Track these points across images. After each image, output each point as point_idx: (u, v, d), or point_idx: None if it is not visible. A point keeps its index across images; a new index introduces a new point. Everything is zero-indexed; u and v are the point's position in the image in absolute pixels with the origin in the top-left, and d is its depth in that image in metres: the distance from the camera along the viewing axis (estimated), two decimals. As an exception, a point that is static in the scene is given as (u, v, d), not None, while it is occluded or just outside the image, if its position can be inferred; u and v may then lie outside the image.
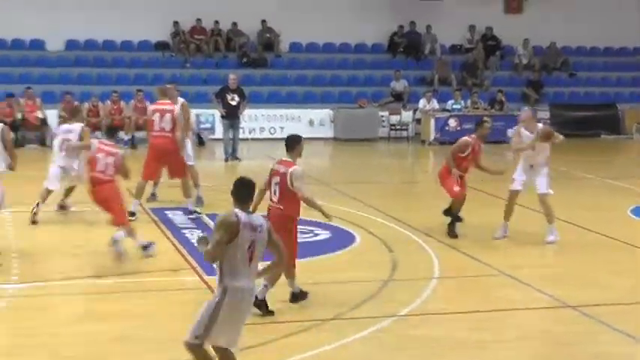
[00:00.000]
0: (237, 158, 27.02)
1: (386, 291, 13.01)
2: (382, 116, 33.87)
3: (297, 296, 12.19)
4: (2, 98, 30.09)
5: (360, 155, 29.81)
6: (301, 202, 11.89)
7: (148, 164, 18.19)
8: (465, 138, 16.70)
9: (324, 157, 30.65)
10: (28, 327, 11.10)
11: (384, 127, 33.77)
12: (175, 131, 17.91)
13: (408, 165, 30.44)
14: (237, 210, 8.64)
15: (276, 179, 11.73)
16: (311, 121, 33.26)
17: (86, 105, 30.51)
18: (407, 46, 37.58)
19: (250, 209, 8.79)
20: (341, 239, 16.28)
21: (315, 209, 11.96)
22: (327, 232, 16.79)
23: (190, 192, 18.25)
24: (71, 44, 35.28)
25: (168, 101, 18.27)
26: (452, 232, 16.41)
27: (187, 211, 18.10)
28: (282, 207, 11.70)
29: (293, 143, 12.00)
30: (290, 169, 11.64)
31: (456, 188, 16.32)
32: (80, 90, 32.17)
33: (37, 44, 35.00)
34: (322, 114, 33.48)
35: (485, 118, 17.34)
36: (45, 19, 34.35)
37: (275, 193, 11.75)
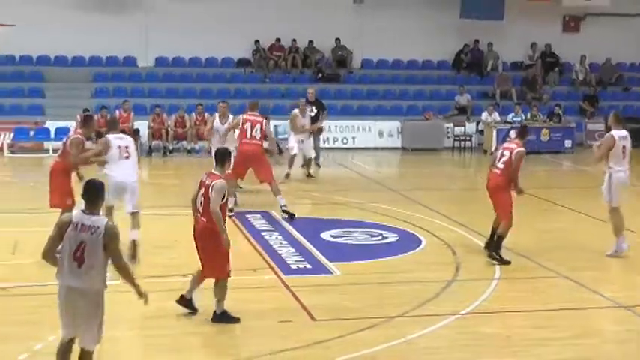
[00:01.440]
0: (318, 165, 26.91)
1: (449, 290, 12.92)
2: (447, 128, 33.67)
3: (220, 317, 11.21)
4: (97, 110, 30.44)
5: (426, 164, 29.67)
6: (226, 214, 11.37)
7: (236, 168, 18.08)
8: (521, 149, 14.73)
9: (393, 166, 30.55)
10: (120, 320, 11.18)
11: (448, 138, 33.55)
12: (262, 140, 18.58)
13: (471, 173, 30.19)
14: (76, 211, 8.46)
15: (202, 191, 11.13)
16: (380, 132, 33.21)
17: (173, 117, 30.84)
18: (470, 62, 37.43)
19: (96, 211, 8.43)
20: (408, 242, 16.20)
21: (216, 227, 10.93)
22: (395, 235, 16.73)
23: (279, 191, 18.50)
24: (160, 61, 35.65)
25: (257, 113, 18.80)
26: (501, 259, 14.54)
27: (267, 215, 18.17)
28: (205, 219, 11.06)
29: (222, 157, 11.44)
30: (213, 182, 11.02)
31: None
32: (168, 103, 32.46)
33: (130, 61, 35.42)
34: (391, 126, 33.37)
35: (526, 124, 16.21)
36: (137, 39, 34.83)
37: (200, 204, 11.13)
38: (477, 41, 37.21)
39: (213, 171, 11.32)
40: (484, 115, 33.12)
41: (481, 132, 33.46)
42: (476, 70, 37.36)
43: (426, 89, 36.40)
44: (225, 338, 10.63)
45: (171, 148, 30.74)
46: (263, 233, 16.71)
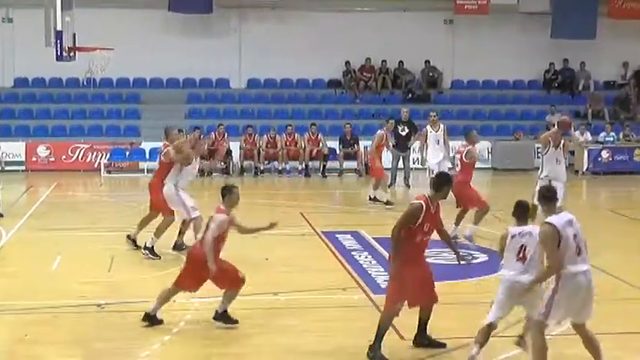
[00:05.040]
0: (408, 185, 26.94)
1: (539, 311, 12.76)
2: (538, 148, 33.34)
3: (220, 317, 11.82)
4: (191, 131, 30.84)
5: (516, 184, 29.32)
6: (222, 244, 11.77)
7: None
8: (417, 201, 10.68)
9: (483, 186, 30.26)
10: (215, 337, 11.32)
11: (539, 158, 33.08)
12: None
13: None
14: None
15: (208, 220, 11.81)
16: (470, 152, 33.01)
17: (264, 137, 31.14)
18: (562, 82, 37.08)
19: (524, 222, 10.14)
20: (498, 262, 15.93)
21: (207, 258, 11.43)
22: (485, 255, 16.63)
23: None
24: (252, 83, 36.03)
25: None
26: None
27: (357, 235, 18.22)
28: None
29: (225, 193, 11.92)
30: (215, 215, 11.65)
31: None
32: (260, 124, 32.78)
33: (223, 83, 35.88)
34: (481, 146, 33.06)
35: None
36: (229, 61, 35.30)
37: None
38: (566, 60, 36.86)
39: (220, 205, 11.86)
40: (576, 135, 32.76)
41: (572, 152, 33.07)
42: (567, 89, 37.01)
43: (517, 109, 36.17)
44: (320, 356, 10.67)
45: (262, 167, 31.04)
46: (353, 253, 16.75)
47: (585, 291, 9.54)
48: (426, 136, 24.59)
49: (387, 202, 22.64)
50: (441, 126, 24.81)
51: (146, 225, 16.73)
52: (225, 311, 11.73)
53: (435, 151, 24.44)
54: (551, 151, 17.07)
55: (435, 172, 23.75)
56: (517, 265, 10.05)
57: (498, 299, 10.24)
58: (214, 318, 11.73)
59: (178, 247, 16.54)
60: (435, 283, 12.99)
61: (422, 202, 10.55)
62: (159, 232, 16.22)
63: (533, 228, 9.96)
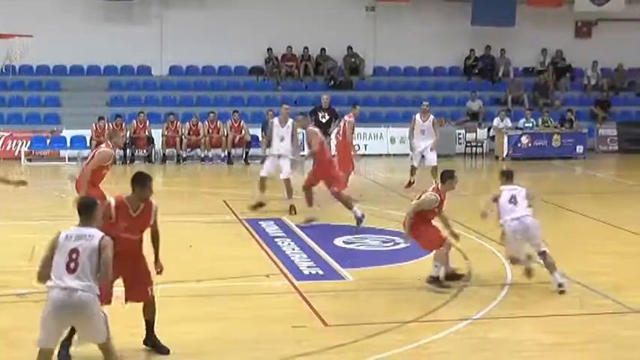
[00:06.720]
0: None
1: (461, 296, 12.90)
2: (459, 134, 33.69)
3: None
4: (112, 119, 30.57)
5: (437, 170, 29.60)
6: None
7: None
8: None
9: (405, 173, 30.50)
10: (137, 325, 11.20)
11: (460, 144, 33.58)
12: None
13: (483, 179, 30.16)
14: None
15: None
16: (392, 138, 33.18)
17: (187, 125, 30.95)
18: (482, 68, 37.44)
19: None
20: (420, 248, 16.14)
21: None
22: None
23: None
24: (174, 70, 35.76)
25: None
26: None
27: (280, 222, 18.30)
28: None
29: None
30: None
31: None
32: (182, 111, 32.55)
33: (144, 70, 35.54)
34: (403, 132, 33.17)
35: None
36: (151, 48, 34.96)
37: None
38: (488, 47, 37.25)
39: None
40: (496, 121, 33.12)
41: (492, 138, 33.47)
42: (488, 76, 37.40)
43: (438, 95, 36.40)
44: (238, 343, 10.62)
45: (184, 155, 30.85)
46: (276, 240, 16.72)
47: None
48: (414, 124, 24.27)
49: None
50: (431, 117, 24.30)
51: None
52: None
53: (420, 139, 24.15)
54: None
55: (417, 159, 23.96)
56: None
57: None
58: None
59: None
60: (359, 269, 13.02)
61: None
62: None
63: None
